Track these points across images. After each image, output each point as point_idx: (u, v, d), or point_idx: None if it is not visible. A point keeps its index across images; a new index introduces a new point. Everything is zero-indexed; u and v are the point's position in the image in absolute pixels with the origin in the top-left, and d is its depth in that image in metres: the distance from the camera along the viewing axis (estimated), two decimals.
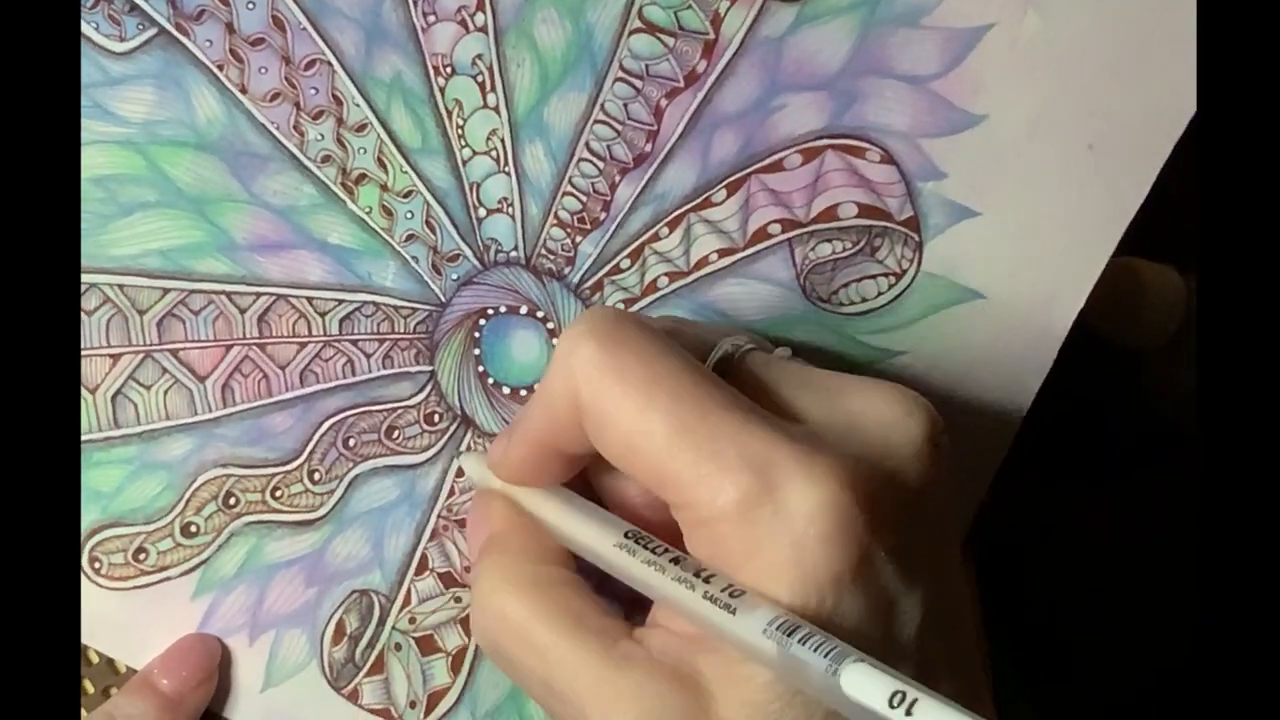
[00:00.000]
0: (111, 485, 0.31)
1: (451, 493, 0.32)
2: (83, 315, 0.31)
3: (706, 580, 0.23)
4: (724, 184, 0.31)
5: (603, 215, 0.31)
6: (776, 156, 0.31)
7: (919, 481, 0.24)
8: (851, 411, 0.25)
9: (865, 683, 0.20)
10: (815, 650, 0.21)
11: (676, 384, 0.24)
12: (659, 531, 0.25)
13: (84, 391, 0.31)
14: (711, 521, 0.23)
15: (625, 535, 0.25)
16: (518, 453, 0.27)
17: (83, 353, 0.31)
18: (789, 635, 0.21)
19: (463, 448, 0.32)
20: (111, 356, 0.31)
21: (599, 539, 0.26)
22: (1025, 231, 0.31)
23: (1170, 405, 0.39)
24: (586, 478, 0.28)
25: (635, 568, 0.25)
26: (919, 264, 0.31)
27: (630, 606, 0.27)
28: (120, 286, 0.31)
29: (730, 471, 0.23)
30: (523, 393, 0.32)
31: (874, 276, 0.31)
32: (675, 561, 0.24)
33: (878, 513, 0.23)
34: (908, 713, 0.20)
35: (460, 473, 0.32)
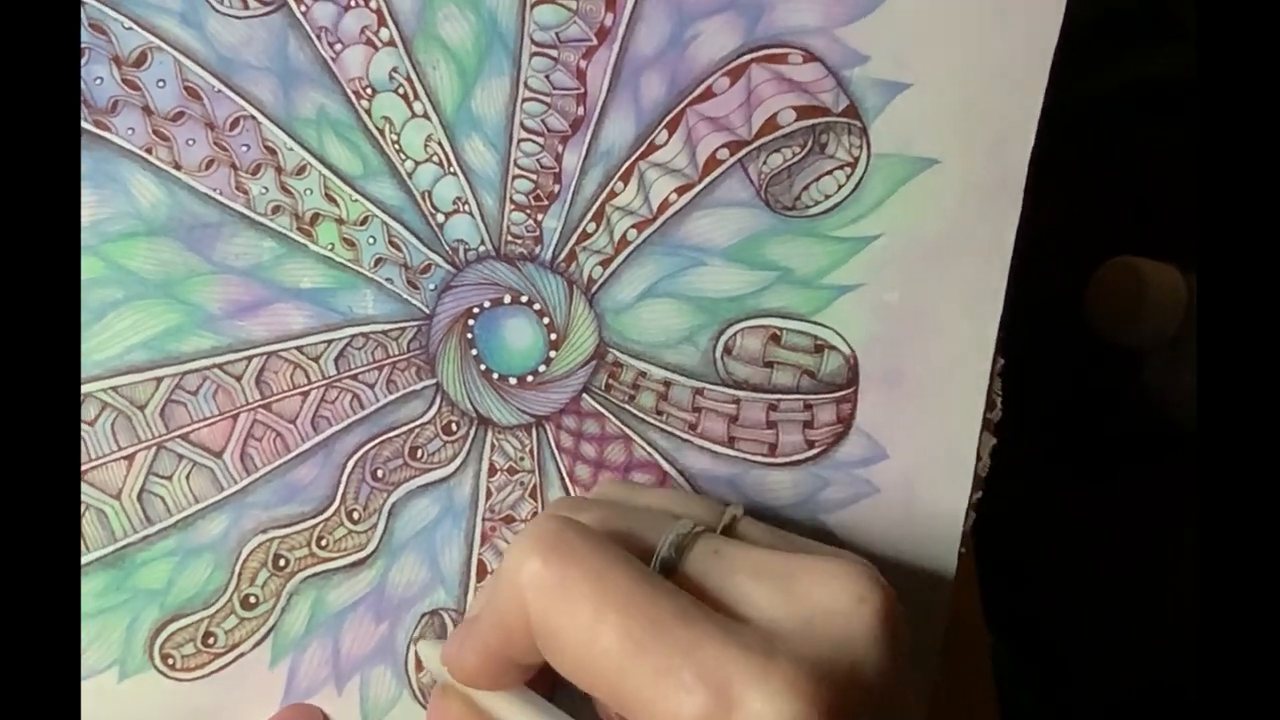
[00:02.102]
0: (162, 581, 0.31)
1: (489, 494, 0.32)
2: (85, 427, 0.31)
3: None
4: (663, 125, 0.31)
5: (556, 187, 0.32)
6: (705, 84, 0.31)
7: (878, 669, 0.24)
8: (805, 603, 0.24)
9: None
10: None
11: (626, 598, 0.23)
12: None
13: (108, 499, 0.31)
14: None
15: None
16: (471, 660, 0.26)
17: (96, 461, 0.31)
18: None
19: (486, 450, 0.32)
20: (126, 459, 0.31)
21: None
22: (958, 88, 0.31)
23: (1170, 405, 0.39)
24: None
25: None
26: (868, 149, 0.32)
27: None
28: (114, 389, 0.31)
29: (687, 691, 0.22)
30: (529, 378, 0.32)
31: (830, 172, 0.32)
32: None
33: (842, 715, 0.23)
34: None
35: (493, 470, 0.32)
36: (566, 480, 0.32)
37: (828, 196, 0.32)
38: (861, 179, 0.32)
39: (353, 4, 0.30)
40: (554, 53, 0.31)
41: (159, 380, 0.31)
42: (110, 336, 0.31)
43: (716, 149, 0.32)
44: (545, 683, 0.27)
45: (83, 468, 0.31)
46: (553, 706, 0.27)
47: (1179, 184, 0.30)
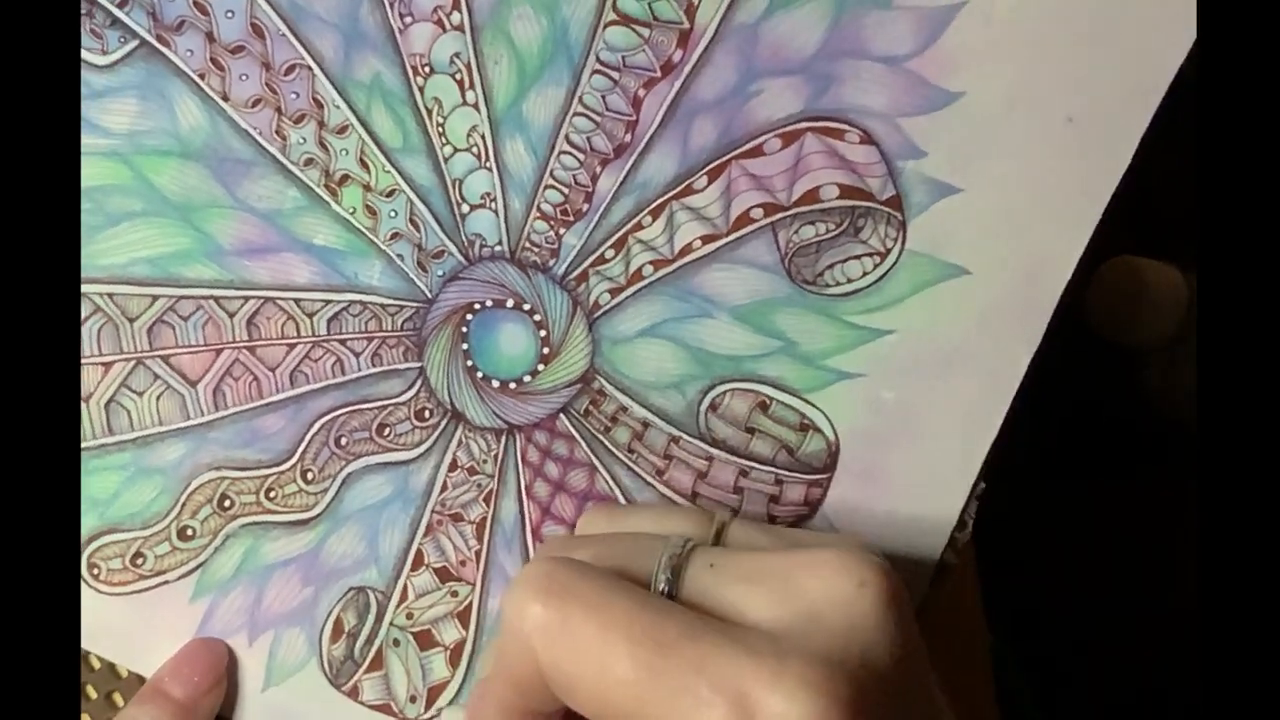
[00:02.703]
0: (108, 492, 0.32)
1: (444, 488, 0.32)
2: None
3: None
4: (705, 171, 0.31)
5: (585, 206, 0.32)
6: (756, 142, 0.31)
7: (889, 652, 0.24)
8: (807, 598, 0.24)
9: None
10: None
11: (631, 626, 0.23)
12: None
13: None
14: None
15: None
16: (488, 717, 0.26)
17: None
18: None
19: (452, 444, 0.32)
20: (104, 365, 0.31)
21: None
22: (1008, 207, 0.31)
23: (1170, 405, 0.39)
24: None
25: None
26: (903, 243, 0.31)
27: None
28: (110, 295, 0.31)
29: (707, 705, 0.22)
30: (512, 385, 0.32)
31: (859, 257, 0.31)
32: None
33: (860, 706, 0.22)
34: None
35: (454, 466, 0.32)
36: (523, 494, 0.32)
37: (850, 280, 0.32)
38: (889, 271, 0.31)
39: None
40: (616, 75, 0.31)
41: (154, 298, 0.31)
42: (119, 244, 0.31)
43: (751, 207, 0.31)
44: None
45: None
46: None
47: (1179, 183, 0.29)
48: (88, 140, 0.31)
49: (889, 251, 0.31)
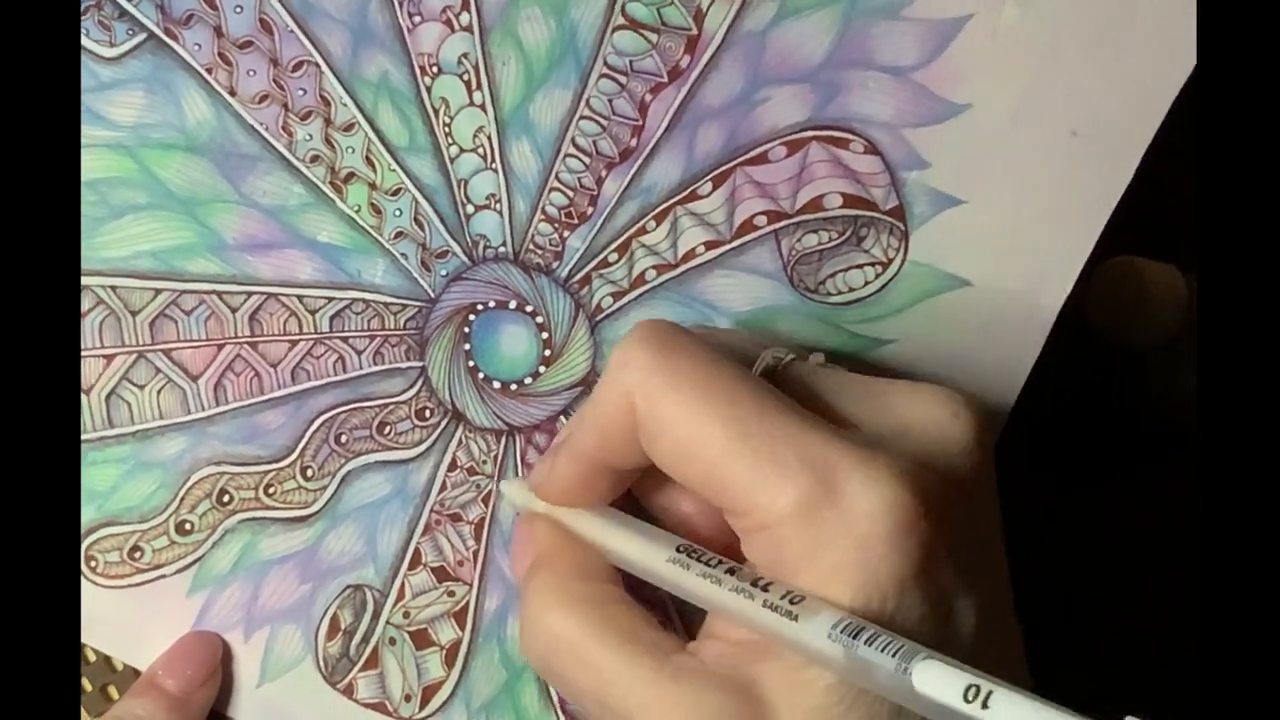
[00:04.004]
0: (107, 484, 0.32)
1: (443, 488, 0.32)
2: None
3: (765, 589, 0.23)
4: (709, 177, 0.31)
5: (590, 210, 0.32)
6: (761, 149, 0.31)
7: (970, 481, 0.24)
8: (900, 415, 0.25)
9: (938, 679, 0.20)
10: (883, 650, 0.21)
11: (732, 389, 0.24)
12: (711, 544, 0.25)
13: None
14: (771, 526, 0.23)
15: (677, 549, 0.25)
16: (566, 471, 0.27)
17: None
18: (854, 638, 0.21)
19: (452, 444, 0.32)
20: (105, 357, 0.31)
21: (651, 555, 0.25)
22: (1011, 219, 0.31)
23: (1170, 405, 0.39)
24: (634, 497, 0.28)
25: (690, 581, 0.24)
26: (905, 253, 0.31)
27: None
28: (113, 288, 0.31)
29: (790, 474, 0.22)
30: (513, 386, 0.32)
31: (860, 266, 0.32)
32: (731, 572, 0.24)
33: (937, 513, 0.23)
34: (984, 705, 0.20)
35: (453, 466, 0.32)
36: None
37: (852, 289, 0.32)
38: (890, 281, 0.32)
39: None
40: (623, 80, 0.31)
41: (157, 291, 0.31)
42: (123, 237, 0.31)
43: (755, 214, 0.31)
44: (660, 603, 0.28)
45: None
46: (641, 521, 0.27)
47: (1179, 183, 0.29)
48: (93, 132, 0.31)
49: (891, 261, 0.32)
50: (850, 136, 0.31)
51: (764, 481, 0.23)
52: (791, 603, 0.22)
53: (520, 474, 0.32)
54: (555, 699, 0.32)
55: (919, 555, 0.22)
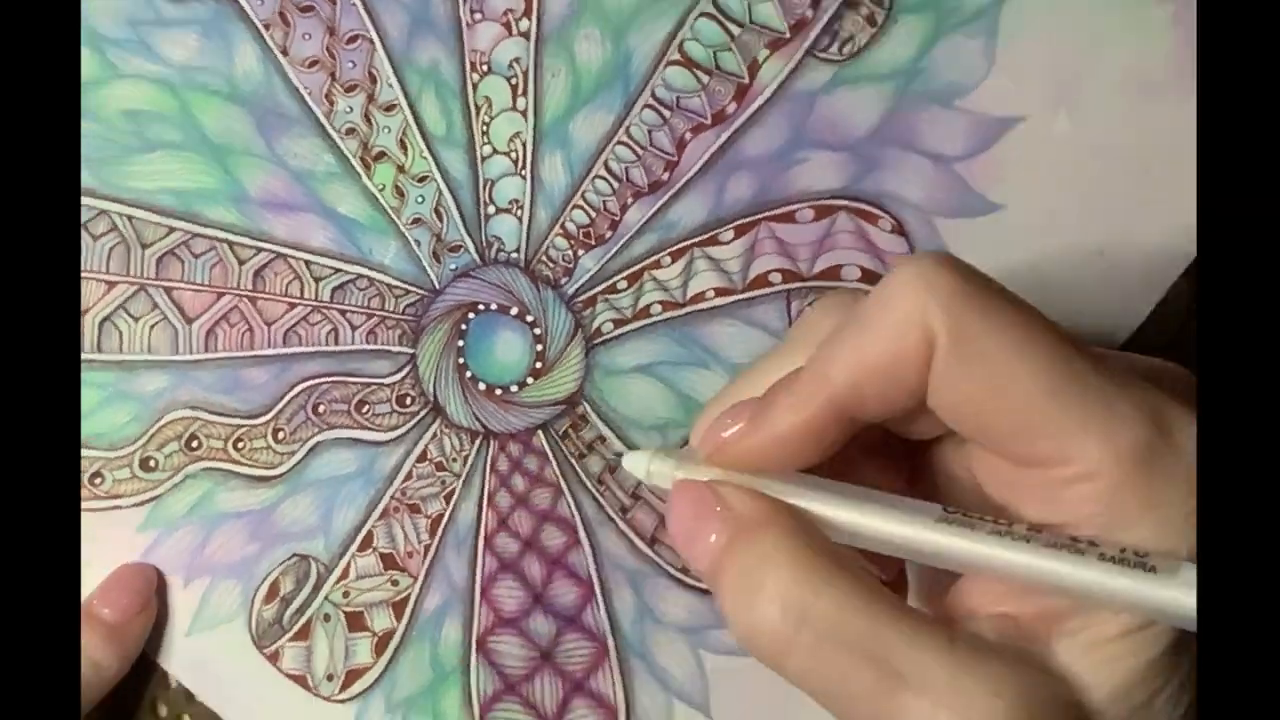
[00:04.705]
0: (83, 408, 0.32)
1: (409, 477, 0.32)
2: (88, 238, 0.32)
3: (1092, 544, 0.20)
4: (733, 225, 0.31)
5: (609, 234, 0.32)
6: (790, 208, 0.31)
7: None
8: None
9: None
10: None
11: (1052, 327, 0.21)
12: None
13: None
14: (1097, 475, 0.20)
15: (946, 510, 0.21)
16: (788, 421, 0.22)
17: (82, 273, 0.32)
18: None
19: (426, 435, 0.32)
20: (107, 283, 0.32)
21: (910, 520, 0.21)
22: None
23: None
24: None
25: (977, 546, 0.21)
26: None
27: None
28: (130, 218, 0.32)
29: (1125, 418, 0.20)
30: (498, 391, 0.32)
31: None
32: (1036, 530, 0.21)
33: None
34: None
35: (423, 457, 0.32)
36: (485, 500, 0.32)
37: None
38: None
39: None
40: (667, 114, 0.31)
41: (171, 229, 0.32)
42: (150, 171, 0.31)
43: (771, 270, 0.31)
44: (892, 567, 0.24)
45: None
46: (861, 488, 0.22)
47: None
48: (143, 65, 0.31)
49: None
50: (880, 213, 0.31)
51: (1095, 426, 0.20)
52: (1138, 555, 0.20)
53: (486, 481, 0.32)
54: (476, 709, 0.32)
55: None
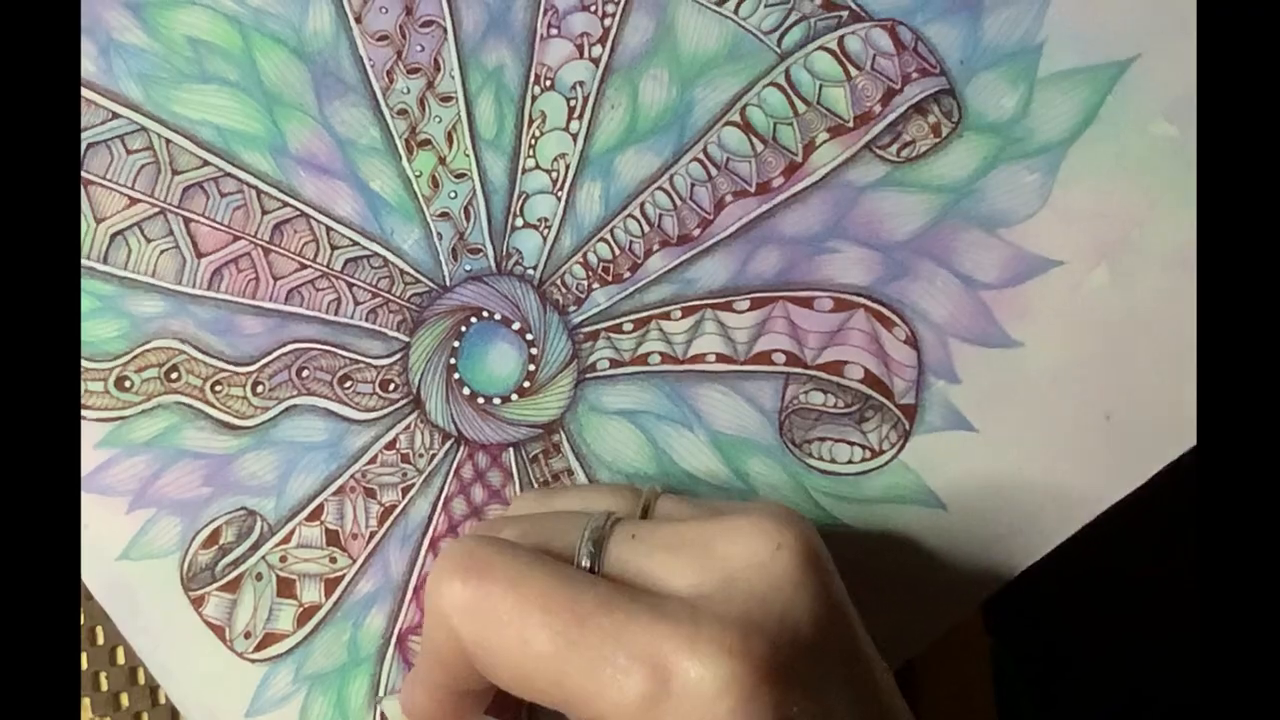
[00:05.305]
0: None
1: (372, 460, 0.32)
2: (121, 150, 0.32)
3: None
4: (751, 295, 0.31)
5: (627, 274, 0.31)
6: (810, 293, 0.31)
7: (810, 611, 0.24)
8: (723, 561, 0.24)
9: None
10: None
11: (548, 599, 0.23)
12: None
13: (90, 218, 0.32)
14: None
15: None
16: (424, 703, 0.27)
17: (107, 182, 0.32)
18: None
19: (400, 425, 0.32)
20: (130, 199, 0.32)
21: None
22: (1013, 468, 0.30)
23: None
24: None
25: None
26: (899, 451, 0.31)
27: None
28: (168, 141, 0.32)
29: (624, 674, 0.22)
30: (480, 400, 0.32)
31: (852, 444, 0.31)
32: None
33: (777, 667, 0.22)
34: None
35: (392, 445, 0.32)
36: (440, 502, 0.32)
37: (835, 461, 0.31)
38: (873, 470, 0.31)
39: (593, 9, 0.31)
40: (714, 172, 0.31)
41: (205, 163, 0.32)
42: (200, 102, 0.32)
43: (776, 350, 0.31)
44: (512, 707, 0.28)
45: (89, 177, 0.32)
46: None
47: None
48: None
49: (883, 453, 0.31)
50: (897, 321, 0.31)
51: (603, 688, 0.23)
52: None
53: (447, 485, 0.32)
54: (378, 707, 0.32)
55: (773, 719, 0.22)
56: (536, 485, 0.32)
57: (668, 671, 0.22)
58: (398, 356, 0.32)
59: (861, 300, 0.31)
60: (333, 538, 0.32)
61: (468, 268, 0.32)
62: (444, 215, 0.32)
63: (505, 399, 0.32)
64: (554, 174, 0.31)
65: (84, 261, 0.32)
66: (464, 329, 0.32)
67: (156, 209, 0.32)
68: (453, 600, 0.24)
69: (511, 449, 0.32)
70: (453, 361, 0.32)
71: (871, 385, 0.31)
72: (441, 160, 0.32)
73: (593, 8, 0.31)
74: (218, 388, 0.32)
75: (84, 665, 0.32)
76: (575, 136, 0.31)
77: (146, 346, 0.32)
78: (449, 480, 0.32)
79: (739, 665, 0.22)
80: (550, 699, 0.24)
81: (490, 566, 0.24)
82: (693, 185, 0.31)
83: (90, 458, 0.32)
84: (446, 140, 0.32)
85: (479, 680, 0.25)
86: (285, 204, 0.32)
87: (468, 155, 0.32)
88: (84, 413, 0.32)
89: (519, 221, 0.32)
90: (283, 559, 0.32)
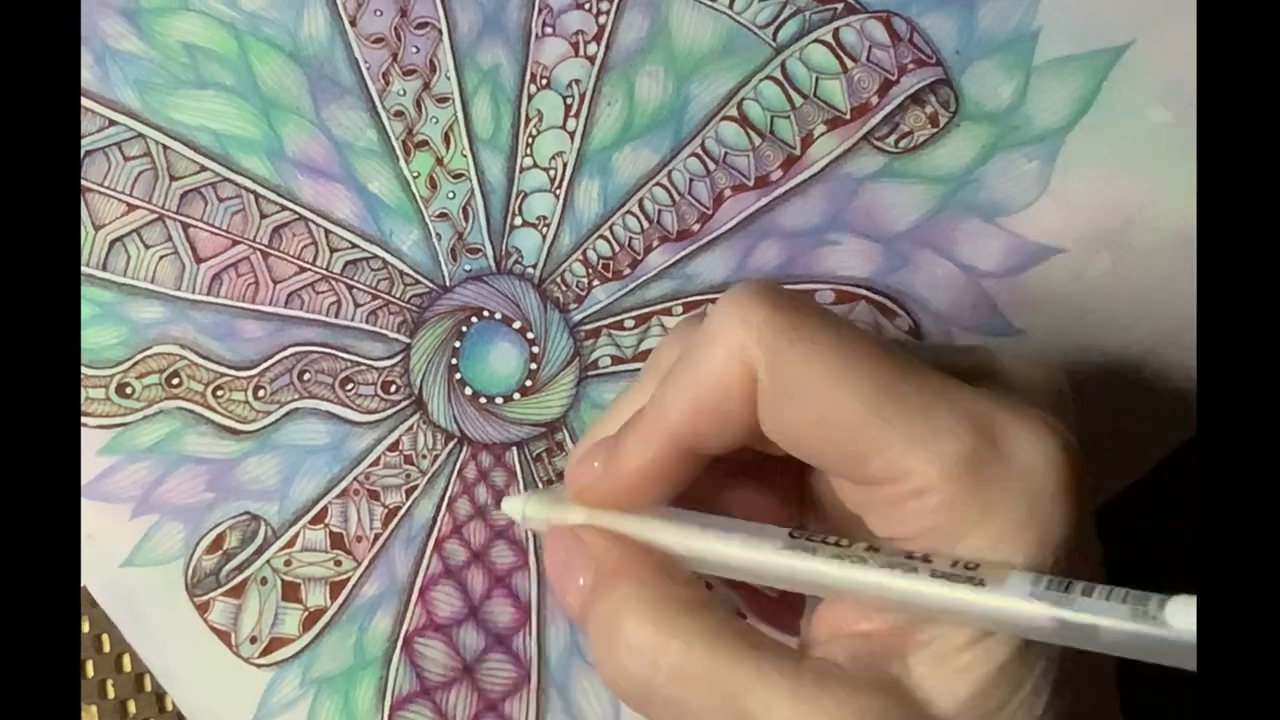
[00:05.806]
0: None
1: (375, 462, 0.32)
2: (119, 157, 0.32)
3: (925, 560, 0.20)
4: None
5: (627, 270, 0.31)
6: (812, 286, 0.31)
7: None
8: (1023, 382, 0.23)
9: (1189, 615, 0.18)
10: (1108, 599, 0.19)
11: (871, 347, 0.21)
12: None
13: (89, 225, 0.32)
14: (927, 490, 0.20)
15: (791, 535, 0.22)
16: (635, 461, 0.22)
17: (105, 189, 0.32)
18: (1066, 591, 0.19)
19: (402, 426, 0.32)
20: (128, 205, 0.32)
21: (757, 546, 0.22)
22: None
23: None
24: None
25: (819, 567, 0.21)
26: None
27: None
28: (165, 147, 0.32)
29: (949, 431, 0.20)
30: (482, 400, 0.32)
31: None
32: (873, 550, 0.21)
33: (1084, 469, 0.21)
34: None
35: (394, 446, 0.32)
36: (444, 503, 0.32)
37: None
38: None
39: (587, 7, 0.31)
40: (712, 167, 0.31)
41: (203, 168, 0.32)
42: (197, 106, 0.32)
43: None
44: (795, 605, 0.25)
45: (87, 184, 0.32)
46: (714, 515, 0.23)
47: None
48: (214, 3, 0.31)
49: None
50: (899, 311, 0.31)
51: (920, 441, 0.20)
52: (968, 569, 0.20)
53: (451, 485, 0.32)
54: (388, 704, 0.32)
55: (1080, 514, 0.20)
56: (540, 484, 0.32)
57: (997, 438, 0.20)
58: (399, 358, 0.32)
59: (863, 291, 0.31)
60: (337, 540, 0.32)
61: (467, 268, 0.32)
62: (442, 216, 0.32)
63: (507, 398, 0.32)
64: (552, 172, 0.31)
65: (83, 269, 0.32)
66: (465, 329, 0.32)
67: (155, 215, 0.32)
68: (758, 319, 0.21)
69: (515, 448, 0.32)
70: (454, 362, 0.32)
71: None
72: (439, 161, 0.32)
73: (587, 6, 0.31)
74: (219, 392, 0.32)
75: (90, 672, 0.32)
76: (572, 134, 0.31)
77: (147, 353, 0.32)
78: (452, 481, 0.32)
79: (1068, 450, 0.20)
80: (841, 454, 0.21)
81: (804, 303, 0.22)
82: (691, 180, 0.31)
83: (92, 464, 0.32)
84: (443, 141, 0.32)
85: (728, 433, 0.22)
86: (284, 208, 0.32)
87: (465, 155, 0.32)
88: (85, 420, 0.32)
89: (518, 220, 0.32)
90: (287, 563, 0.32)
